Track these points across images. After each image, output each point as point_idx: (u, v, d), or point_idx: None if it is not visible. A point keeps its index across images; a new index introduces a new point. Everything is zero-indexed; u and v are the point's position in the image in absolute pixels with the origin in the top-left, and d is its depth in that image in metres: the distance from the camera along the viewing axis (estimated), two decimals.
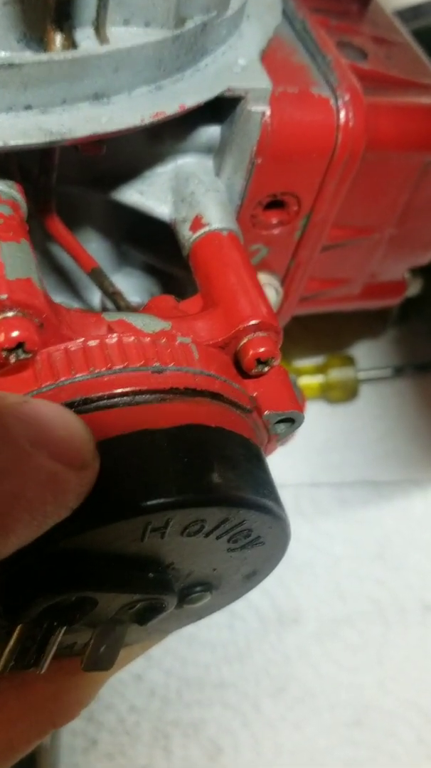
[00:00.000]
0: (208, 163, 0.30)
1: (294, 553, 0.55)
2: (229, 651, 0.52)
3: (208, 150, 0.30)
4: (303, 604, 0.53)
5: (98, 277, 0.31)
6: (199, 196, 0.29)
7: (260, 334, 0.26)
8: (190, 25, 0.25)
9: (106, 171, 0.29)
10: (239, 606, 0.53)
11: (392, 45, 0.36)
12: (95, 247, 0.34)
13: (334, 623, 0.52)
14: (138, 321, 0.25)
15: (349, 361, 0.52)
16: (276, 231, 0.33)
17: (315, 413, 0.54)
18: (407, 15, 0.51)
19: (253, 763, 0.51)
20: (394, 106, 0.32)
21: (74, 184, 0.30)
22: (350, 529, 0.53)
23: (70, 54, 0.22)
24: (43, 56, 0.22)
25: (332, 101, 0.30)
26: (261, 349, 0.25)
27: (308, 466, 0.53)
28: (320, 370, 0.52)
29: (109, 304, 0.34)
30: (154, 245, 0.34)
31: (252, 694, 0.52)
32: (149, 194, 0.29)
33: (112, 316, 0.25)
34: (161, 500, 0.21)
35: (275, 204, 0.32)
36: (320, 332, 0.51)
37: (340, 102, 0.30)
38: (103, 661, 0.25)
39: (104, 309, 0.35)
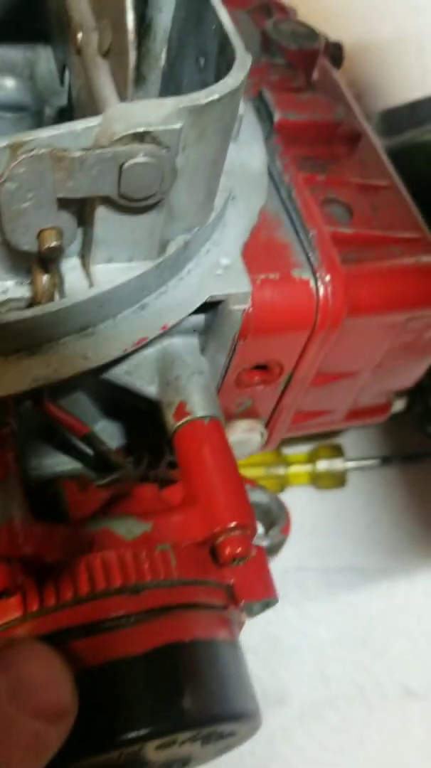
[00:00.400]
0: (193, 341, 0.31)
1: (281, 636, 0.57)
2: None
3: (193, 331, 0.31)
4: (289, 687, 0.54)
5: (91, 441, 0.33)
6: (183, 380, 0.30)
7: (236, 532, 0.27)
8: (172, 249, 0.26)
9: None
10: None
11: (379, 191, 0.37)
12: (83, 402, 0.35)
13: (318, 706, 0.54)
14: (120, 528, 0.26)
15: (337, 452, 0.53)
16: (259, 388, 0.34)
17: (304, 499, 0.55)
18: (398, 116, 0.51)
19: None
20: (374, 272, 0.33)
21: None
22: (336, 613, 0.55)
23: (56, 305, 0.24)
24: (27, 313, 0.23)
25: (312, 282, 0.31)
26: (238, 549, 0.27)
27: (296, 551, 0.54)
28: (309, 459, 0.53)
29: None
30: (136, 415, 0.35)
31: None
32: (137, 375, 0.30)
33: (97, 526, 0.26)
34: (135, 734, 0.22)
35: (258, 366, 0.33)
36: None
37: (320, 283, 0.31)
38: None
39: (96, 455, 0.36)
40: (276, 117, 0.35)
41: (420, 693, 0.54)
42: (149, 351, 0.31)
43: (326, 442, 0.55)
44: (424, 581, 0.54)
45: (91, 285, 0.24)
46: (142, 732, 0.22)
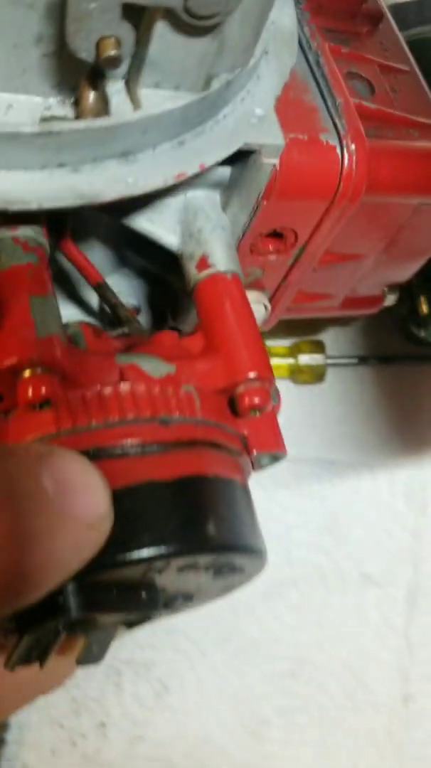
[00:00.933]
0: (216, 197, 0.31)
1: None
2: None
3: (217, 185, 0.31)
4: None
5: (102, 291, 0.33)
6: (206, 234, 0.30)
7: (256, 384, 0.28)
8: (215, 85, 0.26)
9: (119, 200, 0.30)
10: None
11: (398, 74, 0.37)
12: (96, 253, 0.35)
13: (281, 585, 0.57)
14: (146, 365, 0.27)
15: (319, 347, 0.54)
16: (272, 257, 0.35)
17: (281, 392, 0.56)
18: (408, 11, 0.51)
19: (196, 703, 0.56)
20: (394, 150, 0.34)
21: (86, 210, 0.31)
22: (303, 501, 0.57)
23: (105, 121, 0.23)
24: (80, 124, 0.23)
25: (338, 149, 0.31)
26: (256, 399, 0.28)
27: None
28: (290, 353, 0.54)
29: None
30: (153, 254, 0.36)
31: (200, 642, 0.56)
32: (159, 223, 0.31)
33: (124, 360, 0.27)
34: (163, 550, 0.24)
35: (273, 234, 0.34)
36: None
37: (346, 151, 0.31)
38: (94, 657, 0.29)
39: (101, 310, 0.37)
40: None
41: (377, 580, 0.57)
42: (172, 200, 0.31)
43: (308, 337, 0.56)
44: (387, 476, 0.57)
45: (137, 108, 0.24)
46: (172, 548, 0.24)
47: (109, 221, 0.32)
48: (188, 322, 0.37)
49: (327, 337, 0.56)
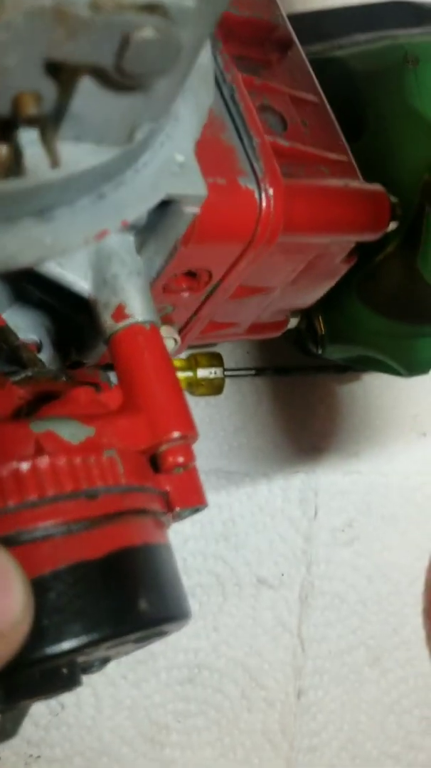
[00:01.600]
0: (130, 240, 0.30)
1: None
2: None
3: (131, 228, 0.30)
4: None
5: (4, 334, 0.31)
6: (122, 281, 0.29)
7: (180, 441, 0.27)
8: (139, 136, 0.24)
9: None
10: None
11: (307, 105, 0.37)
12: None
13: None
14: (64, 430, 0.25)
15: (217, 360, 0.54)
16: (185, 295, 0.34)
17: None
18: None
19: (93, 718, 0.56)
20: (308, 190, 0.33)
21: None
22: (200, 512, 0.57)
23: (23, 182, 0.22)
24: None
25: (256, 194, 0.31)
26: (180, 459, 0.27)
27: None
28: (188, 365, 0.54)
29: None
30: (53, 288, 0.34)
31: None
32: (69, 269, 0.29)
33: (40, 427, 0.25)
34: (97, 636, 0.23)
35: (187, 273, 0.33)
36: None
37: (263, 194, 0.31)
38: (8, 733, 0.27)
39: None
40: None
41: (272, 583, 0.58)
42: (83, 248, 0.29)
43: (205, 349, 0.55)
44: (282, 483, 0.58)
45: (54, 164, 0.22)
46: (106, 632, 0.23)
47: None
48: (93, 356, 0.36)
49: (224, 348, 0.56)
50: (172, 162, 0.27)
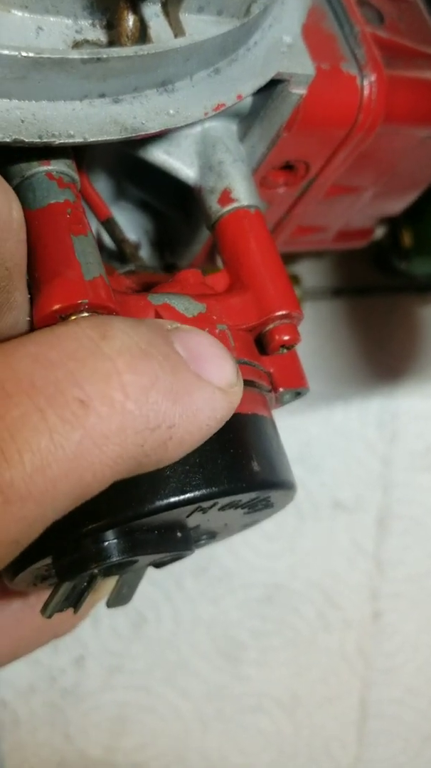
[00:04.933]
0: (233, 127, 0.30)
1: None
2: None
3: (236, 115, 0.30)
4: None
5: (111, 226, 0.32)
6: (227, 166, 0.29)
7: (286, 321, 0.28)
8: (255, 10, 0.25)
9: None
10: None
11: (402, 3, 0.36)
12: (99, 185, 0.33)
13: None
14: (179, 305, 0.26)
15: (295, 280, 0.54)
16: (281, 190, 0.34)
17: None
18: None
19: (172, 632, 0.58)
20: (408, 81, 0.33)
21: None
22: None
23: (153, 48, 0.22)
24: (128, 50, 0.21)
25: (359, 80, 0.30)
26: (286, 337, 0.28)
27: None
28: None
29: (106, 237, 0.35)
30: (152, 185, 0.34)
31: (175, 573, 0.57)
32: (176, 155, 0.29)
33: (158, 300, 0.26)
34: (214, 489, 0.23)
35: (285, 167, 0.33)
36: None
37: (366, 81, 0.31)
38: (124, 598, 0.29)
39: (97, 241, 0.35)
40: None
41: (348, 506, 0.59)
42: (190, 131, 0.29)
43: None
44: (359, 406, 0.58)
45: (178, 33, 0.22)
46: (223, 488, 0.23)
47: (120, 153, 0.31)
48: (187, 257, 0.36)
49: (303, 269, 0.56)
50: (280, 42, 0.27)
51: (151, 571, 0.60)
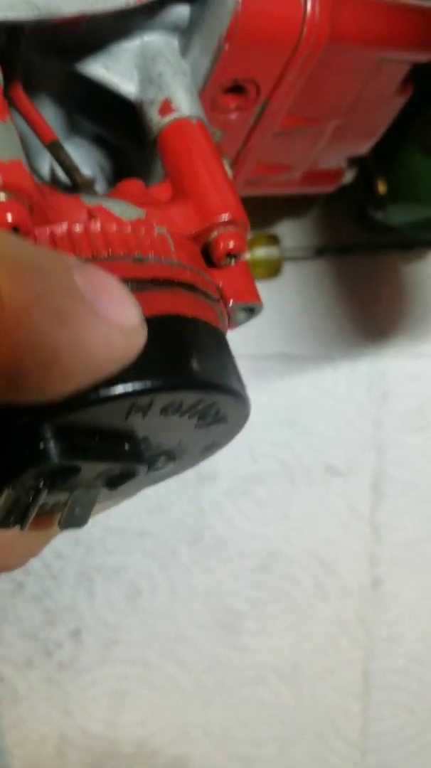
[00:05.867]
0: (174, 42, 0.30)
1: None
2: (150, 503, 0.56)
3: (175, 29, 0.30)
4: (219, 464, 0.57)
5: (56, 150, 0.31)
6: (167, 78, 0.29)
7: (230, 228, 0.27)
8: None
9: (71, 41, 0.29)
10: None
11: None
12: (48, 115, 0.33)
13: (246, 481, 0.57)
14: (115, 208, 0.26)
15: (274, 240, 0.53)
16: (233, 116, 0.33)
17: None
18: None
19: (169, 603, 0.57)
20: (357, 0, 0.33)
21: (37, 51, 0.29)
22: (264, 397, 0.57)
23: None
24: None
25: None
26: (231, 244, 0.27)
27: (229, 339, 0.55)
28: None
29: (61, 175, 0.34)
30: (106, 117, 0.34)
31: (169, 543, 0.57)
32: (115, 70, 0.29)
33: (91, 200, 0.25)
34: (148, 383, 0.23)
35: (234, 89, 0.33)
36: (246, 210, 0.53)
37: None
38: (78, 520, 0.28)
39: (53, 180, 0.35)
40: None
41: (341, 470, 0.57)
42: (128, 44, 0.29)
43: (262, 231, 0.55)
44: (348, 367, 0.57)
45: None
46: (157, 382, 0.23)
47: (60, 73, 0.31)
48: None
49: (282, 229, 0.56)
50: None
51: (143, 540, 0.59)
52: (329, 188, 0.43)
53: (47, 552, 0.56)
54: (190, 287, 0.26)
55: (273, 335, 0.57)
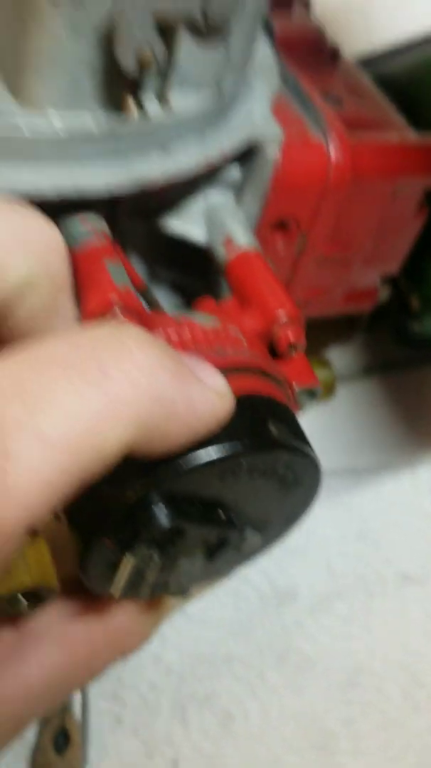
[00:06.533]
0: (231, 196, 0.37)
1: (288, 537, 0.62)
2: (234, 628, 0.59)
3: (231, 186, 0.37)
4: (298, 582, 0.59)
5: (147, 295, 0.38)
6: (228, 223, 0.36)
7: (289, 323, 0.33)
8: (227, 87, 0.32)
9: (153, 204, 0.36)
10: (241, 586, 0.60)
11: (360, 92, 0.44)
12: (133, 264, 0.41)
13: (326, 598, 0.59)
14: (197, 318, 0.32)
15: (326, 364, 0.59)
16: (280, 248, 0.40)
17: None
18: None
19: (261, 728, 0.57)
20: (371, 144, 0.40)
21: (127, 215, 0.37)
22: (335, 512, 0.60)
23: (149, 121, 0.30)
24: (133, 125, 0.29)
25: (325, 145, 0.38)
26: (291, 336, 0.33)
27: None
28: None
29: None
30: (181, 266, 0.41)
31: (257, 666, 0.58)
32: (187, 221, 0.36)
33: (177, 315, 0.32)
34: (239, 446, 0.28)
35: (280, 226, 0.40)
36: None
37: (332, 147, 0.38)
38: (183, 589, 0.32)
39: None
40: (277, 31, 0.43)
41: (415, 578, 0.59)
42: (195, 202, 0.37)
43: (315, 357, 0.61)
44: (409, 474, 0.61)
45: (168, 110, 0.30)
46: (245, 445, 0.27)
47: (144, 232, 0.38)
48: None
49: (332, 354, 0.62)
50: (251, 114, 0.35)
51: (232, 666, 0.60)
52: (368, 306, 0.49)
53: (142, 684, 0.58)
54: (262, 373, 0.31)
55: (335, 451, 0.61)
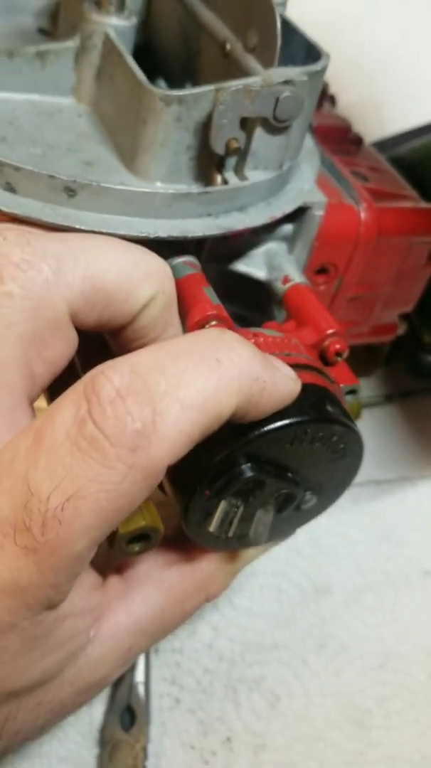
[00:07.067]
0: (284, 247, 0.49)
1: (320, 539, 0.72)
2: (279, 619, 0.67)
3: (284, 239, 0.49)
4: (333, 579, 0.68)
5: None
6: (284, 265, 0.48)
7: (335, 336, 0.44)
8: (286, 166, 0.45)
9: (226, 251, 0.48)
10: (283, 584, 0.69)
11: (380, 171, 0.57)
12: None
13: (357, 592, 0.68)
14: (266, 332, 0.43)
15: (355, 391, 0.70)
16: (321, 288, 0.52)
17: None
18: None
19: (304, 706, 0.65)
20: (391, 209, 0.52)
21: (205, 260, 0.48)
22: (362, 519, 0.70)
23: (232, 187, 0.42)
24: (221, 188, 0.41)
25: (356, 209, 0.50)
26: (338, 346, 0.44)
27: None
28: None
29: None
30: (243, 301, 0.53)
31: (299, 652, 0.67)
32: (252, 265, 0.48)
33: (252, 330, 0.43)
34: (306, 416, 0.38)
35: (321, 271, 0.51)
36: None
37: (361, 209, 0.50)
38: (260, 536, 0.42)
39: None
40: (314, 122, 0.55)
41: None
42: (258, 250, 0.49)
43: (345, 386, 0.72)
44: (426, 486, 0.71)
45: (243, 179, 0.42)
46: (310, 416, 0.38)
47: (216, 274, 0.50)
48: None
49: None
50: (303, 185, 0.47)
51: (278, 652, 0.69)
52: (389, 337, 0.61)
53: (197, 669, 0.67)
54: (317, 371, 0.42)
55: (361, 466, 0.71)
